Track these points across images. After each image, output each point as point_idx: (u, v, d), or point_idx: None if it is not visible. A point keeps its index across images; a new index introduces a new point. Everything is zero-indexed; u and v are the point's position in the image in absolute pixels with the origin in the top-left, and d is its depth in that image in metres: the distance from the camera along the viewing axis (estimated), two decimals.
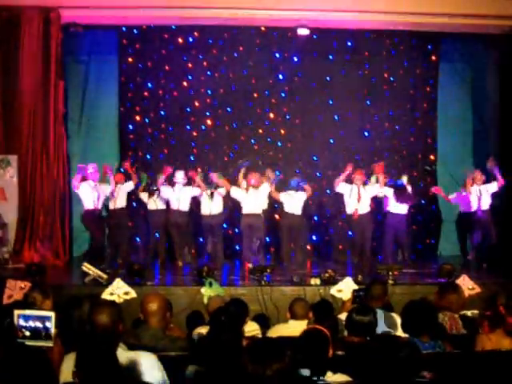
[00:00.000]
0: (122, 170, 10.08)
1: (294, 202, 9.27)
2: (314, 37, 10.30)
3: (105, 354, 2.74)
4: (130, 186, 9.49)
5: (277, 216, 9.99)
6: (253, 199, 9.07)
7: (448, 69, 11.33)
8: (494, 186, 9.29)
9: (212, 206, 9.29)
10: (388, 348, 2.87)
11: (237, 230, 9.93)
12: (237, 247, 10.06)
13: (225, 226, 10.15)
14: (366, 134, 11.17)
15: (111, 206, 9.49)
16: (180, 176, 9.37)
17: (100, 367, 2.69)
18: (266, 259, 9.55)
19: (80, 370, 2.71)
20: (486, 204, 9.29)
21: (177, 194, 9.34)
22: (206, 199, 9.30)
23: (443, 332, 4.03)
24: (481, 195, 9.23)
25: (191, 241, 9.90)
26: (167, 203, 9.46)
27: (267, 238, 9.99)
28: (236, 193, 9.15)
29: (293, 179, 9.47)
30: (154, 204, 9.45)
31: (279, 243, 9.65)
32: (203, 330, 4.37)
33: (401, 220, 9.41)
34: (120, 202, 9.46)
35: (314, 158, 11.05)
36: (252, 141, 11.05)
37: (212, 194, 9.30)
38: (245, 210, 9.11)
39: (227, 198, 9.47)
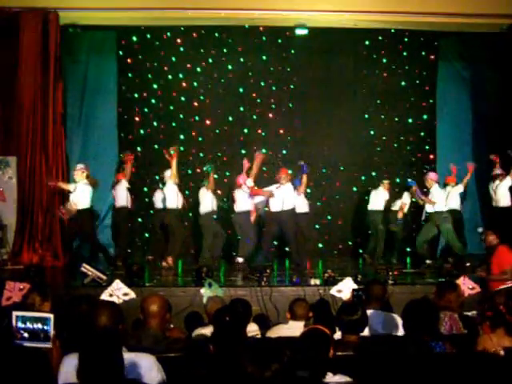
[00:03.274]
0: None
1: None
2: (313, 36, 10.29)
3: (109, 355, 2.72)
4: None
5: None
6: (240, 198, 9.12)
7: (447, 67, 11.35)
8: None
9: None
10: (389, 348, 2.86)
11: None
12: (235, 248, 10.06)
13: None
14: (365, 132, 11.18)
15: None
16: (167, 174, 9.24)
17: (104, 368, 2.67)
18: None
19: (83, 371, 2.69)
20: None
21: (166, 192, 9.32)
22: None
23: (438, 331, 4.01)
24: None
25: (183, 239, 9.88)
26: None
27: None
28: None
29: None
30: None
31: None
32: (204, 330, 4.36)
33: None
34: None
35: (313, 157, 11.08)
36: (251, 141, 11.05)
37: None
38: (236, 209, 9.21)
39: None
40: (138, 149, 10.91)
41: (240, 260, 8.87)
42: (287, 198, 8.73)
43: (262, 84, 11.04)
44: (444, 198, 9.22)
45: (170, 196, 9.11)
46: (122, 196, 9.51)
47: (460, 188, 9.54)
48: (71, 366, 2.88)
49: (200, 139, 11.05)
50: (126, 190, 9.53)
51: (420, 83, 11.33)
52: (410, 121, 11.30)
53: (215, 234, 9.43)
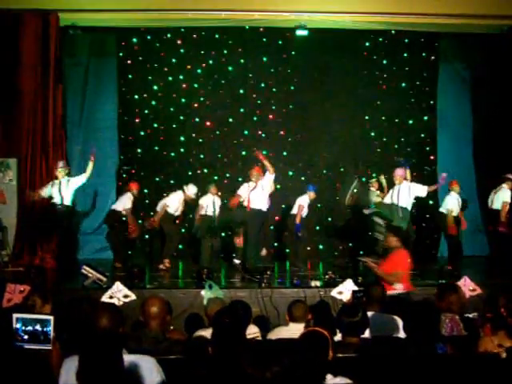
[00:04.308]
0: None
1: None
2: (313, 38, 10.28)
3: (109, 357, 2.72)
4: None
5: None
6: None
7: (447, 68, 11.35)
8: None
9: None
10: (389, 350, 2.86)
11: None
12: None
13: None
14: (365, 134, 11.17)
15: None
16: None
17: (104, 370, 2.67)
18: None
19: (83, 373, 2.69)
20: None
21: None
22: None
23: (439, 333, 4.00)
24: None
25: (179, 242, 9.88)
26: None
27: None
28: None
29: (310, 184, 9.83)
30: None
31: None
32: (204, 332, 4.35)
33: None
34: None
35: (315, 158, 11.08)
36: (251, 142, 11.04)
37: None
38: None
39: None
40: (138, 150, 10.93)
41: (237, 262, 8.87)
42: (264, 197, 8.69)
43: (263, 85, 11.03)
44: (410, 197, 8.71)
45: (171, 199, 9.25)
46: (122, 202, 9.53)
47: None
48: (71, 369, 2.87)
49: (200, 140, 11.03)
50: (130, 199, 9.53)
51: (420, 84, 11.32)
52: (411, 122, 11.28)
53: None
